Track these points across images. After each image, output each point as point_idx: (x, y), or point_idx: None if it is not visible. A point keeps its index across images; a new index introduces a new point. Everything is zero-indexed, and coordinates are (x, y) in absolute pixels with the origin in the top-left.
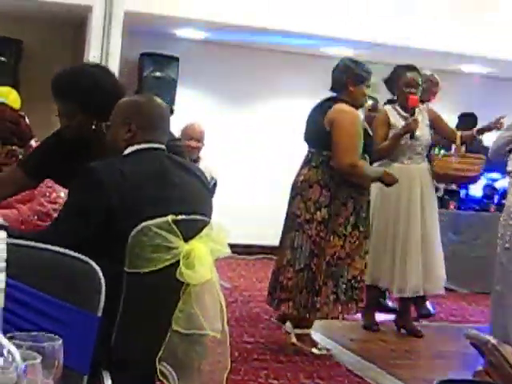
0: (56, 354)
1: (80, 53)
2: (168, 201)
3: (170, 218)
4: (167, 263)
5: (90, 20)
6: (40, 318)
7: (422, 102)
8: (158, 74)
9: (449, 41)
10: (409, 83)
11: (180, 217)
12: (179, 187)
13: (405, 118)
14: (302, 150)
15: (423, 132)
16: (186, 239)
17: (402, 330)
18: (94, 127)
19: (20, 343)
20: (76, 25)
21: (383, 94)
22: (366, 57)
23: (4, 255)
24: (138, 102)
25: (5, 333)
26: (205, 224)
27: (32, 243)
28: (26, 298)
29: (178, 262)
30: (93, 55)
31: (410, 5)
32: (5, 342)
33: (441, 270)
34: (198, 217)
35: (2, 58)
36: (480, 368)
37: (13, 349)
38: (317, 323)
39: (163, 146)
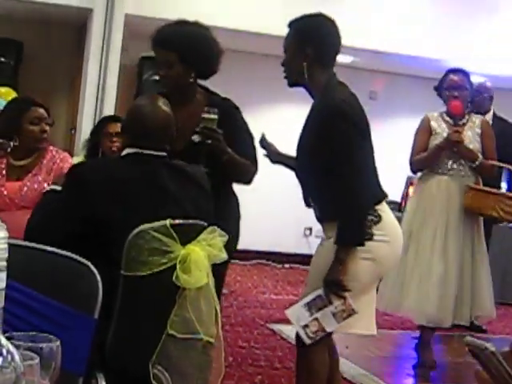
0: (54, 355)
1: (80, 55)
2: (156, 205)
3: (167, 221)
4: (164, 267)
5: (91, 23)
6: (37, 318)
7: (478, 112)
8: (157, 77)
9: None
10: (451, 85)
11: (177, 221)
12: (171, 192)
13: (454, 126)
14: None
15: (472, 145)
16: (183, 243)
17: None
18: (191, 80)
19: (18, 343)
20: (76, 27)
21: None
22: (365, 65)
23: (5, 255)
24: (136, 106)
25: (3, 333)
26: (202, 228)
27: (31, 244)
28: (23, 298)
29: (175, 265)
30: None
31: (413, 13)
32: (4, 341)
33: (490, 293)
34: (196, 221)
35: (3, 59)
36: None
37: (12, 349)
38: None
39: (155, 152)
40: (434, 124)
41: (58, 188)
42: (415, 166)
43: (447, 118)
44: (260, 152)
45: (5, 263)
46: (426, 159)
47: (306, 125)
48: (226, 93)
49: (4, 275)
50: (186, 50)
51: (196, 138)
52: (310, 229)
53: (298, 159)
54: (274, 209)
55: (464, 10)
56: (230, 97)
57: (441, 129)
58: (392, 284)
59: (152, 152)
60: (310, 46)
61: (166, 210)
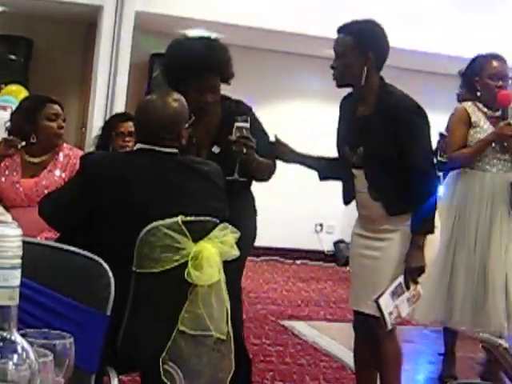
0: (67, 352)
1: (90, 52)
2: (167, 202)
3: (179, 218)
4: (175, 264)
5: (101, 20)
6: (49, 315)
7: None
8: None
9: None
10: (495, 74)
11: (189, 218)
12: (182, 189)
13: (490, 118)
14: (310, 151)
15: None
16: (195, 240)
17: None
18: None
19: (32, 341)
20: (86, 24)
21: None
22: None
23: (20, 252)
24: (147, 101)
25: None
26: (214, 225)
27: (44, 242)
28: (36, 295)
29: (186, 262)
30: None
31: (416, 10)
32: (19, 339)
33: None
34: (207, 218)
35: (13, 57)
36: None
37: (27, 346)
38: (325, 326)
39: (162, 149)
40: (472, 116)
41: None
42: (457, 163)
43: (485, 109)
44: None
45: (19, 261)
46: (472, 154)
47: (372, 123)
48: (228, 89)
49: (19, 273)
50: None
51: (216, 149)
52: (321, 225)
53: (367, 157)
54: (285, 205)
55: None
56: (241, 92)
57: (482, 121)
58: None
59: (162, 149)
60: (372, 51)
61: (177, 206)
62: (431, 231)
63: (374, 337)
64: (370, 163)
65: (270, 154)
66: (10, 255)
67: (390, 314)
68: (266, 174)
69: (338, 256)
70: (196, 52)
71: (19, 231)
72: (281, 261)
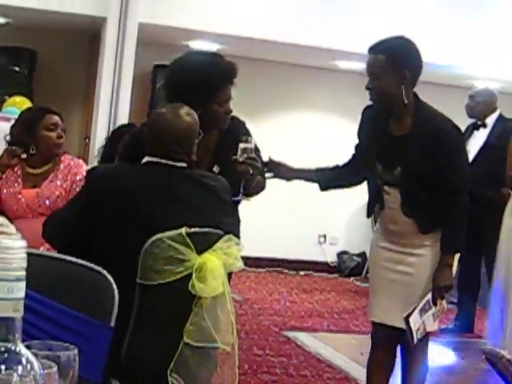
0: (71, 364)
1: (94, 64)
2: (172, 215)
3: (183, 230)
4: (179, 276)
5: (104, 31)
6: (53, 327)
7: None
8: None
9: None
10: None
11: (193, 229)
12: (187, 202)
13: None
14: (315, 163)
15: None
16: (199, 252)
17: None
18: None
19: (36, 352)
20: (90, 36)
21: None
22: None
23: (24, 264)
24: (158, 114)
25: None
26: (218, 237)
27: (47, 253)
28: (40, 307)
29: (191, 274)
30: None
31: (421, 20)
32: (24, 350)
33: None
34: (211, 230)
35: (17, 68)
36: None
37: (32, 358)
38: (329, 337)
39: (173, 163)
40: None
41: None
42: None
43: None
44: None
45: (24, 272)
46: None
47: (410, 143)
48: (240, 98)
49: (23, 284)
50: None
51: (216, 169)
52: (325, 236)
53: (404, 177)
54: (288, 216)
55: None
56: (243, 103)
57: None
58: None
59: (171, 162)
60: (408, 69)
61: (182, 219)
62: (460, 250)
63: (404, 349)
64: (407, 182)
65: (262, 169)
66: (14, 267)
67: (418, 330)
68: (258, 191)
69: (342, 267)
70: (213, 64)
71: (23, 243)
72: (284, 272)
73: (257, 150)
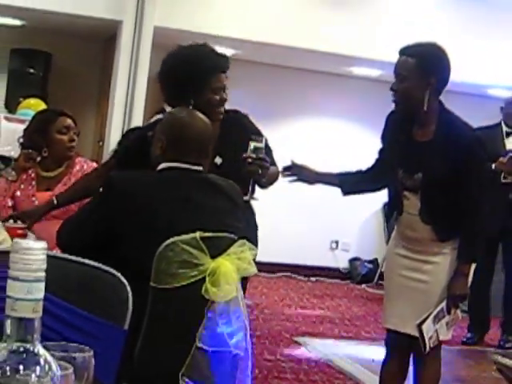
0: (87, 365)
1: (108, 66)
2: (187, 220)
3: (197, 234)
4: (193, 280)
5: (120, 35)
6: (67, 328)
7: None
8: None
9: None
10: None
11: (207, 234)
12: (202, 206)
13: None
14: (328, 168)
15: None
16: (213, 256)
17: None
18: None
19: (52, 353)
20: (105, 39)
21: None
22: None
23: (44, 266)
24: (175, 118)
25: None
26: (232, 242)
27: (61, 255)
28: (53, 308)
29: (204, 278)
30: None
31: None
32: (42, 351)
33: None
34: (226, 234)
35: (32, 70)
36: None
37: (49, 358)
38: (340, 343)
39: (194, 167)
40: None
41: None
42: None
43: None
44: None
45: (43, 274)
46: None
47: (432, 150)
48: (241, 106)
49: (42, 285)
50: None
51: (218, 160)
52: (337, 242)
53: (425, 183)
54: (300, 221)
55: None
56: (258, 108)
57: None
58: None
59: (188, 166)
60: (435, 76)
61: (196, 223)
62: (477, 260)
63: (416, 357)
64: (427, 188)
65: (272, 158)
66: (34, 268)
67: (430, 338)
68: (273, 183)
69: (354, 274)
70: (204, 53)
71: (44, 244)
72: (296, 277)
73: (268, 149)
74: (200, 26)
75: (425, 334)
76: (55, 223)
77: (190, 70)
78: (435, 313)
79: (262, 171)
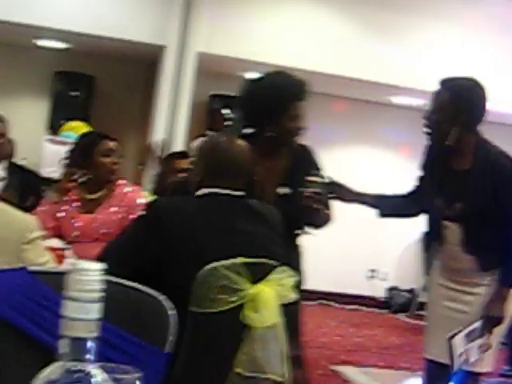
0: None
1: (151, 91)
2: (229, 246)
3: (238, 260)
4: (232, 305)
5: (163, 59)
6: (109, 349)
7: None
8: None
9: None
10: None
11: (248, 259)
12: (244, 233)
13: None
14: None
15: None
16: (253, 282)
17: None
18: None
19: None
20: (148, 63)
21: None
22: None
23: (101, 286)
24: (213, 143)
25: None
26: (272, 268)
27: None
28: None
29: (243, 304)
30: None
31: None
32: (96, 371)
33: None
34: (266, 261)
35: (75, 93)
36: None
37: (104, 379)
38: (376, 372)
39: (233, 192)
40: None
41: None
42: None
43: None
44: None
45: (100, 294)
46: None
47: (471, 179)
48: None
49: (99, 306)
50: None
51: (282, 190)
52: (375, 271)
53: (465, 212)
54: (338, 250)
55: None
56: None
57: None
58: None
59: (229, 192)
60: (466, 114)
61: (237, 249)
62: None
63: None
64: (467, 218)
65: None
66: (91, 288)
67: (460, 355)
68: (322, 224)
69: (391, 303)
70: (284, 81)
71: (101, 265)
72: (333, 305)
73: (327, 184)
74: (242, 52)
75: (454, 349)
76: (96, 245)
77: (269, 97)
78: (467, 331)
79: (319, 206)
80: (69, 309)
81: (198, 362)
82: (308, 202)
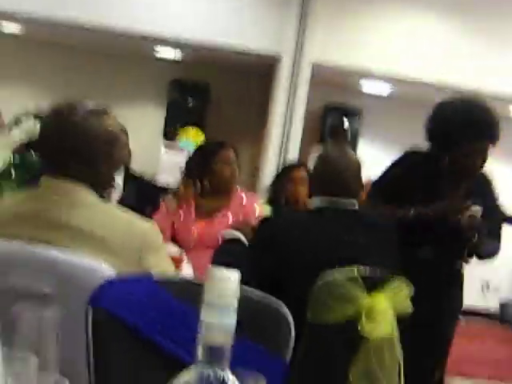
0: None
1: (265, 100)
2: (343, 258)
3: (355, 270)
4: (348, 316)
5: (278, 69)
6: (234, 357)
7: None
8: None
9: None
10: None
11: (364, 270)
12: (360, 245)
13: None
14: None
15: None
16: (369, 293)
17: None
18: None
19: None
20: (263, 73)
21: None
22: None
23: (237, 294)
24: (323, 154)
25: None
26: (388, 279)
27: None
28: None
29: (359, 315)
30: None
31: None
32: (229, 376)
33: None
34: (383, 272)
35: (190, 102)
36: None
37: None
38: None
39: (344, 203)
40: None
41: (240, 236)
42: None
43: None
44: None
45: (236, 301)
46: None
47: None
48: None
49: (234, 313)
50: (497, 138)
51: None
52: (488, 283)
53: None
54: None
55: None
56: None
57: None
58: None
59: (343, 200)
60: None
61: (353, 260)
62: None
63: None
64: None
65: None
66: (227, 294)
67: None
68: (489, 255)
69: (504, 315)
70: (468, 113)
71: (237, 274)
72: None
73: (495, 209)
74: (357, 62)
75: None
76: (208, 253)
77: (445, 127)
78: None
79: (477, 236)
80: (206, 315)
81: (313, 373)
82: (468, 233)
